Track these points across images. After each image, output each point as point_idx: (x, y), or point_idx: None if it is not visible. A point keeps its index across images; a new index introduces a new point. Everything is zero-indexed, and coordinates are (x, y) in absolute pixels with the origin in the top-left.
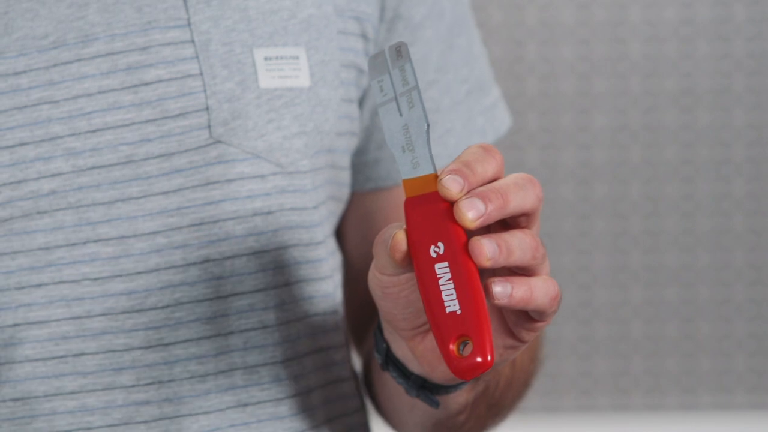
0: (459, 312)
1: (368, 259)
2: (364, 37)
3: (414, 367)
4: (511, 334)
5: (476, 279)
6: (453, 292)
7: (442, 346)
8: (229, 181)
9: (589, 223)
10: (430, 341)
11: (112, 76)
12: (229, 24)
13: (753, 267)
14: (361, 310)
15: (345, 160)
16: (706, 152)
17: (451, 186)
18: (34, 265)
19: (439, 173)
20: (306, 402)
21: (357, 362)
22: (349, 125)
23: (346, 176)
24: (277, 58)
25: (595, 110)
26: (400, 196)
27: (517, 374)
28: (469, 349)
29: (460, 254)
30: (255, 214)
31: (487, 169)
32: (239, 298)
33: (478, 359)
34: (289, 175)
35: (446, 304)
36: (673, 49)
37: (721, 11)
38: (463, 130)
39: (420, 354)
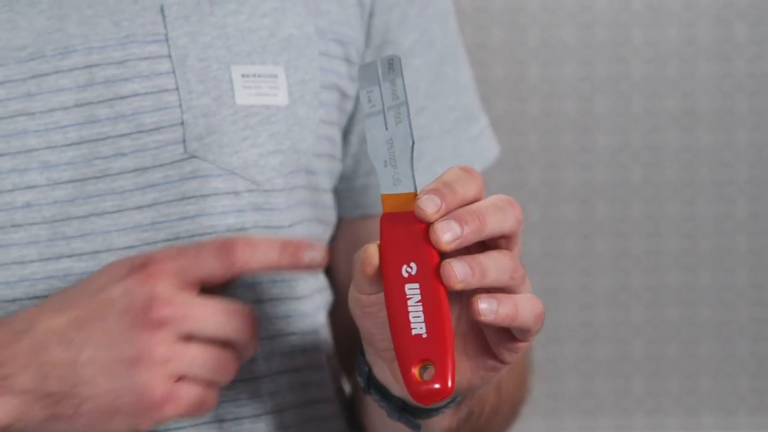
0: (425, 335)
1: None
2: (347, 60)
3: (395, 390)
4: (493, 355)
5: (446, 304)
6: (421, 314)
7: (404, 367)
8: (204, 196)
9: (590, 243)
10: None
11: (89, 89)
12: (206, 40)
13: (755, 287)
14: (350, 337)
15: (326, 183)
16: (707, 172)
17: (427, 206)
18: (9, 280)
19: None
20: (281, 420)
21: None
22: (330, 147)
23: (328, 198)
24: (254, 75)
25: (596, 130)
26: None
27: (503, 402)
28: (430, 373)
29: (431, 277)
30: (228, 230)
31: (468, 190)
32: None
33: (438, 385)
34: (264, 193)
35: (413, 325)
36: (674, 69)
37: (723, 32)
38: (451, 158)
39: (400, 376)
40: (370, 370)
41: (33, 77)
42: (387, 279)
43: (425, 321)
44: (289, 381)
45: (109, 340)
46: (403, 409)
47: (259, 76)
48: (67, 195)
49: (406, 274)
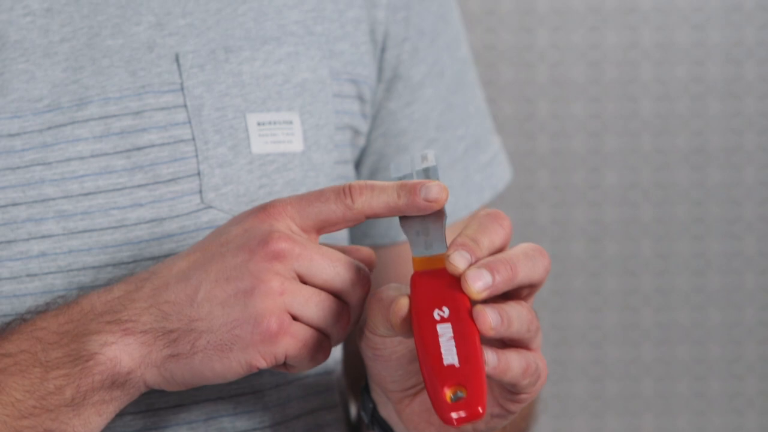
0: (457, 365)
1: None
2: (360, 99)
3: (399, 429)
4: (498, 404)
5: (478, 339)
6: (453, 348)
7: (435, 391)
8: None
9: (600, 281)
10: (417, 404)
11: (105, 140)
12: (222, 89)
13: (764, 325)
14: (359, 366)
15: None
16: (717, 210)
17: (458, 262)
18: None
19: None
20: None
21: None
22: None
23: (344, 234)
24: (270, 123)
25: (606, 168)
26: (398, 254)
27: None
28: (461, 397)
29: (464, 317)
30: None
31: (495, 240)
32: None
33: (467, 411)
34: None
35: (444, 357)
36: (683, 107)
37: (732, 69)
38: (461, 188)
39: (406, 417)
40: (374, 408)
41: (49, 128)
42: (418, 321)
43: (458, 354)
44: (305, 425)
45: (226, 274)
46: None
47: (274, 123)
48: (82, 244)
49: (438, 317)
